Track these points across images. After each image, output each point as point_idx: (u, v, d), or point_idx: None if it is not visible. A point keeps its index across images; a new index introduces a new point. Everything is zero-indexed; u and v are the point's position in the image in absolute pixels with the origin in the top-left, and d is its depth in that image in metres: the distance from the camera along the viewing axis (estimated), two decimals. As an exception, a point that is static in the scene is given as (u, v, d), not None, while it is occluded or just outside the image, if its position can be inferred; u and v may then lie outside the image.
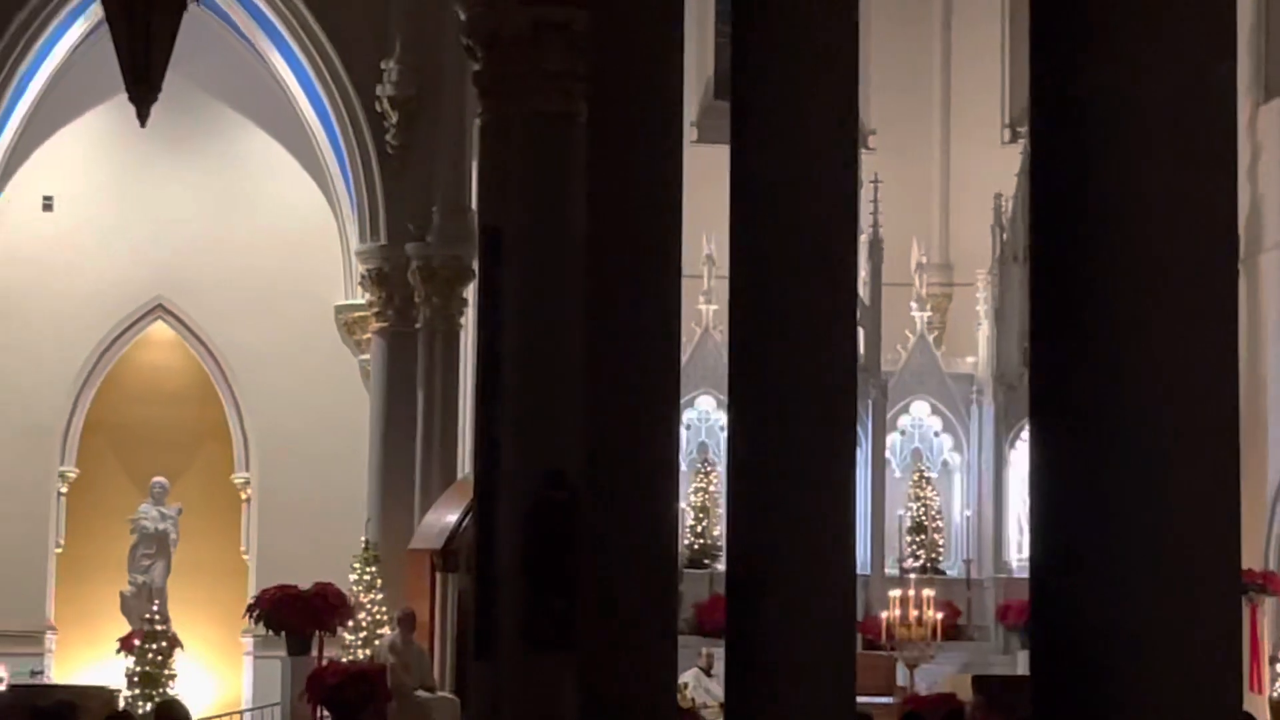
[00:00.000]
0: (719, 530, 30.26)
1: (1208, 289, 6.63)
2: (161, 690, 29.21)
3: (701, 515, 30.82)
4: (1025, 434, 30.69)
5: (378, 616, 28.95)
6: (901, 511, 31.88)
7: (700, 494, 30.86)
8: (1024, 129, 32.07)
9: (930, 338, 32.78)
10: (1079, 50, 6.74)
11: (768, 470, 11.55)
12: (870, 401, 29.52)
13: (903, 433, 32.29)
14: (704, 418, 31.17)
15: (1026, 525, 30.86)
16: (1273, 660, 28.50)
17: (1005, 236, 31.95)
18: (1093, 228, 6.60)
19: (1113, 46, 6.67)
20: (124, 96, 15.68)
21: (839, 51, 11.76)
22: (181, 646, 30.79)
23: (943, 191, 34.78)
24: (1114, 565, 6.49)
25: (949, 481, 32.47)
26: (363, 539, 30.25)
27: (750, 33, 11.86)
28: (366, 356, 32.30)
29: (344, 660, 28.16)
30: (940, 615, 29.85)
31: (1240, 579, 6.70)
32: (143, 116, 15.40)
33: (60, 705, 19.73)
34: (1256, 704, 25.24)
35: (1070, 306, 6.65)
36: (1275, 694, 27.93)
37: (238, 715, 32.21)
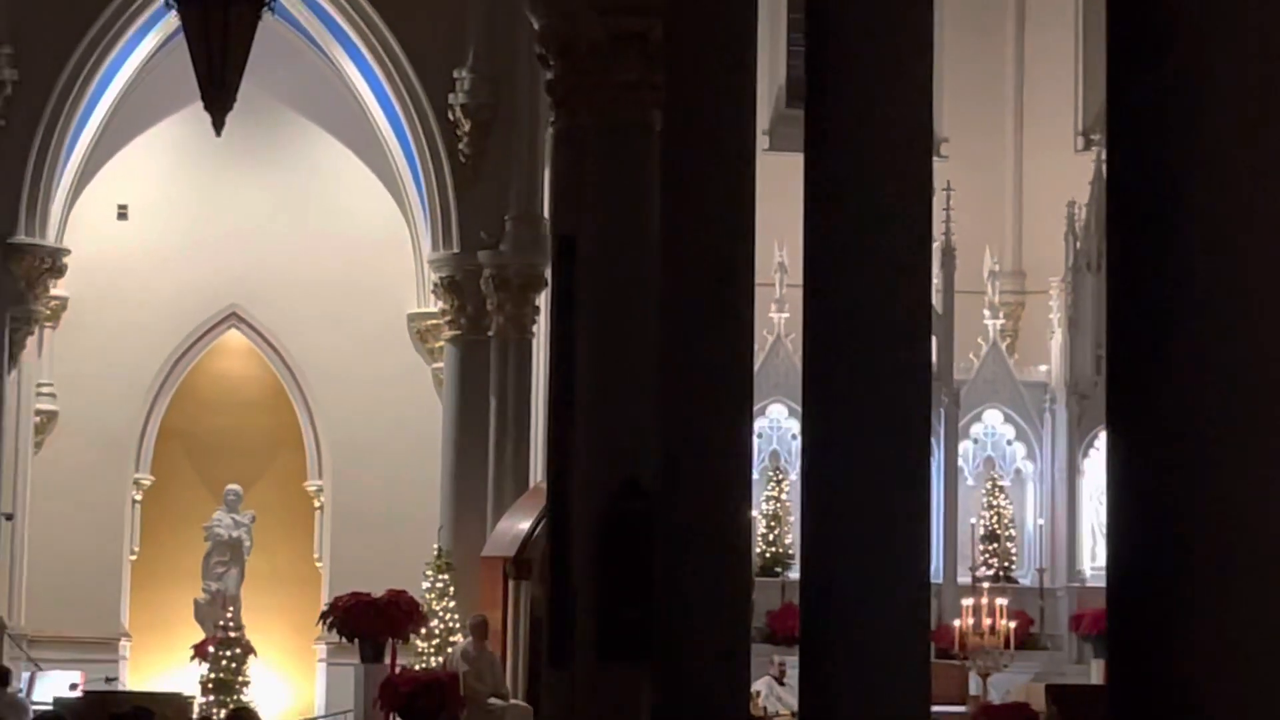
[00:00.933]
0: (791, 538, 30.24)
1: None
2: (235, 697, 29.31)
3: (773, 523, 30.78)
4: (1099, 442, 30.68)
5: (450, 624, 29.00)
6: (974, 520, 31.82)
7: (772, 502, 30.82)
8: (1097, 136, 32.08)
9: (1003, 346, 32.75)
10: (1157, 52, 6.72)
11: (842, 478, 11.55)
12: (943, 410, 29.45)
13: (975, 441, 32.25)
14: (775, 426, 31.14)
15: (1100, 533, 30.90)
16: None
17: (1079, 244, 31.93)
18: (1173, 232, 6.59)
19: (1191, 48, 6.65)
20: (199, 106, 15.75)
21: (913, 59, 11.76)
22: (255, 653, 30.89)
23: (1015, 199, 34.75)
24: (1195, 575, 6.47)
25: (1022, 490, 32.42)
26: (435, 546, 30.31)
27: (824, 42, 11.86)
28: (439, 364, 32.36)
29: (417, 668, 28.23)
30: (1013, 624, 29.81)
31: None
32: (218, 125, 15.48)
33: (136, 712, 19.82)
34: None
35: (1150, 313, 6.63)
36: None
37: (310, 716, 32.29)
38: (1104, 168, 30.01)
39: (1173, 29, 6.67)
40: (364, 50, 31.91)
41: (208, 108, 15.15)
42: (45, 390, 32.85)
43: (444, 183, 31.68)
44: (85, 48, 31.00)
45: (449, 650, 28.25)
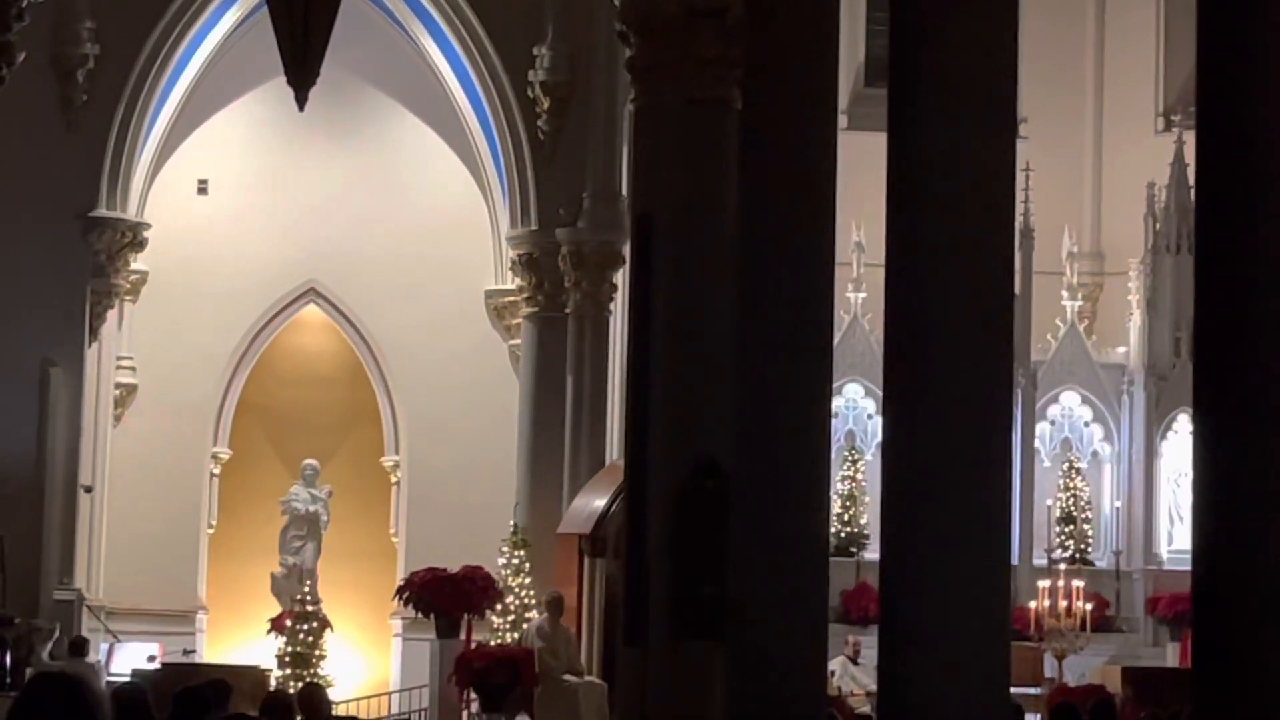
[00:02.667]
0: (866, 518, 30.28)
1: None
2: (312, 670, 29.42)
3: (849, 503, 30.81)
4: (1177, 425, 30.61)
5: (525, 600, 29.05)
6: (1050, 501, 31.81)
7: (848, 481, 30.84)
8: (1178, 117, 31.98)
9: (1081, 327, 32.71)
10: (1247, 30, 6.68)
11: (921, 459, 11.54)
12: (1020, 391, 29.39)
13: (1052, 422, 32.24)
14: (852, 405, 31.16)
15: (1178, 517, 30.82)
16: None
17: (1158, 226, 31.89)
18: (1263, 214, 6.55)
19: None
20: (279, 82, 15.80)
21: (996, 40, 11.73)
22: (331, 628, 31.00)
23: (1095, 180, 34.67)
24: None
25: (1098, 472, 32.38)
26: (511, 523, 30.36)
27: (908, 21, 11.84)
28: (516, 341, 32.41)
29: (492, 643, 28.29)
30: (1089, 606, 29.76)
31: None
32: (301, 101, 15.51)
33: (211, 684, 19.88)
34: None
35: (1237, 295, 6.60)
36: None
37: (386, 696, 32.39)
38: (1184, 149, 29.97)
39: (1248, 27, 6.65)
40: (444, 26, 31.97)
41: (291, 83, 15.17)
42: (125, 363, 33.01)
43: (522, 159, 31.73)
44: (167, 23, 31.09)
45: (524, 626, 28.31)
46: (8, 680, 21.51)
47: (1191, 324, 7.01)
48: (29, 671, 21.43)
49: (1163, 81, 33.92)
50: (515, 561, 29.64)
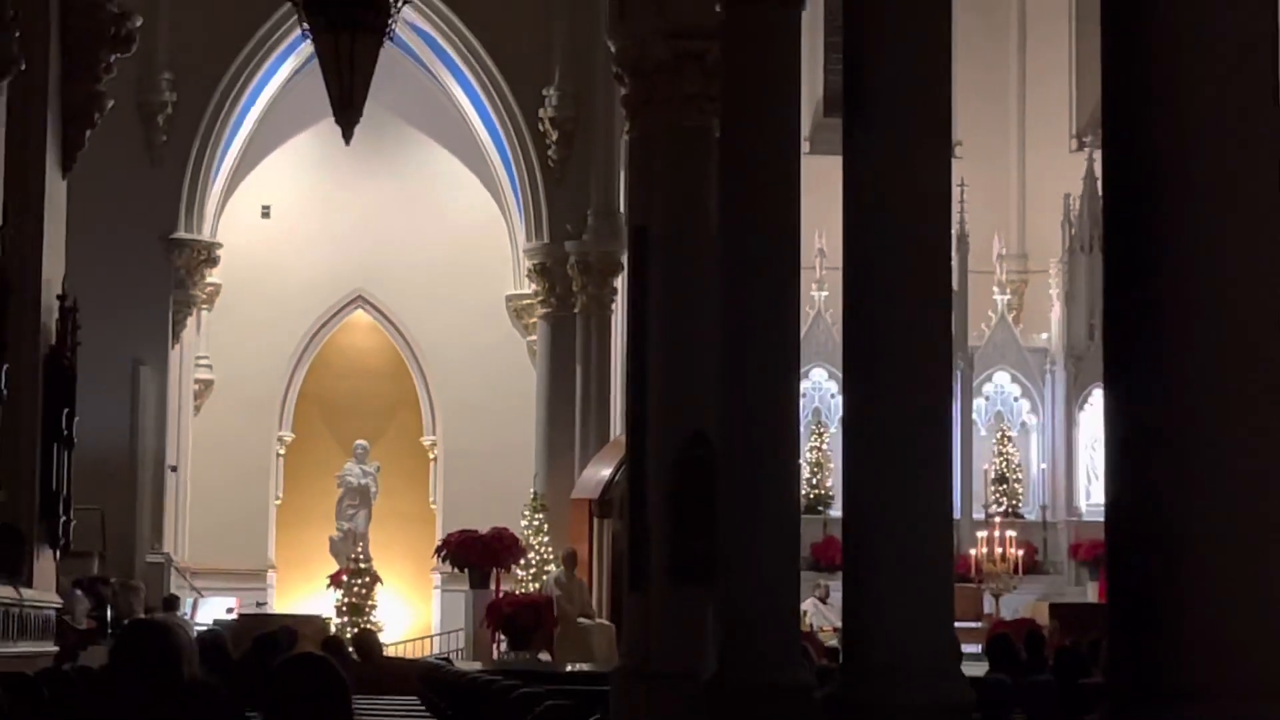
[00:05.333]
0: (831, 482, 30.29)
1: (1258, 268, 6.59)
2: (365, 618, 29.48)
3: (816, 469, 30.88)
4: (1092, 398, 30.62)
5: (545, 556, 29.09)
6: (986, 465, 31.88)
7: (815, 451, 30.88)
8: (1088, 139, 31.96)
9: (1009, 317, 32.73)
10: (1144, 65, 6.70)
11: (876, 430, 11.54)
12: (959, 372, 29.37)
13: (987, 398, 32.29)
14: (817, 387, 31.19)
15: (1094, 475, 30.83)
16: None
17: (1073, 230, 31.96)
18: (1159, 218, 6.57)
19: (1173, 62, 6.63)
20: (328, 121, 15.74)
21: (933, 74, 11.72)
22: (381, 582, 31.09)
23: (1019, 192, 34.70)
24: (1181, 504, 6.45)
25: (1027, 439, 32.42)
26: (531, 490, 30.42)
27: (857, 61, 11.85)
28: (533, 338, 32.46)
29: (517, 592, 28.32)
30: (1020, 553, 29.84)
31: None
32: (348, 136, 15.47)
33: (284, 631, 19.90)
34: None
35: (1139, 288, 6.62)
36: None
37: (428, 639, 32.41)
38: (1094, 165, 29.93)
39: (1159, 40, 6.65)
40: (466, 72, 32.00)
41: (339, 122, 15.13)
42: (202, 362, 33.08)
43: (535, 183, 31.77)
44: (233, 73, 31.16)
45: (544, 578, 28.35)
46: (109, 630, 21.51)
47: (1102, 313, 6.99)
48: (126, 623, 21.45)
49: (1075, 108, 33.96)
50: (535, 523, 29.69)
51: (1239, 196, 6.57)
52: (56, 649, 18.89)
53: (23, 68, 17.22)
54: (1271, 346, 6.59)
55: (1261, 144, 6.68)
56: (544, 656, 26.36)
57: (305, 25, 15.17)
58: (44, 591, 19.19)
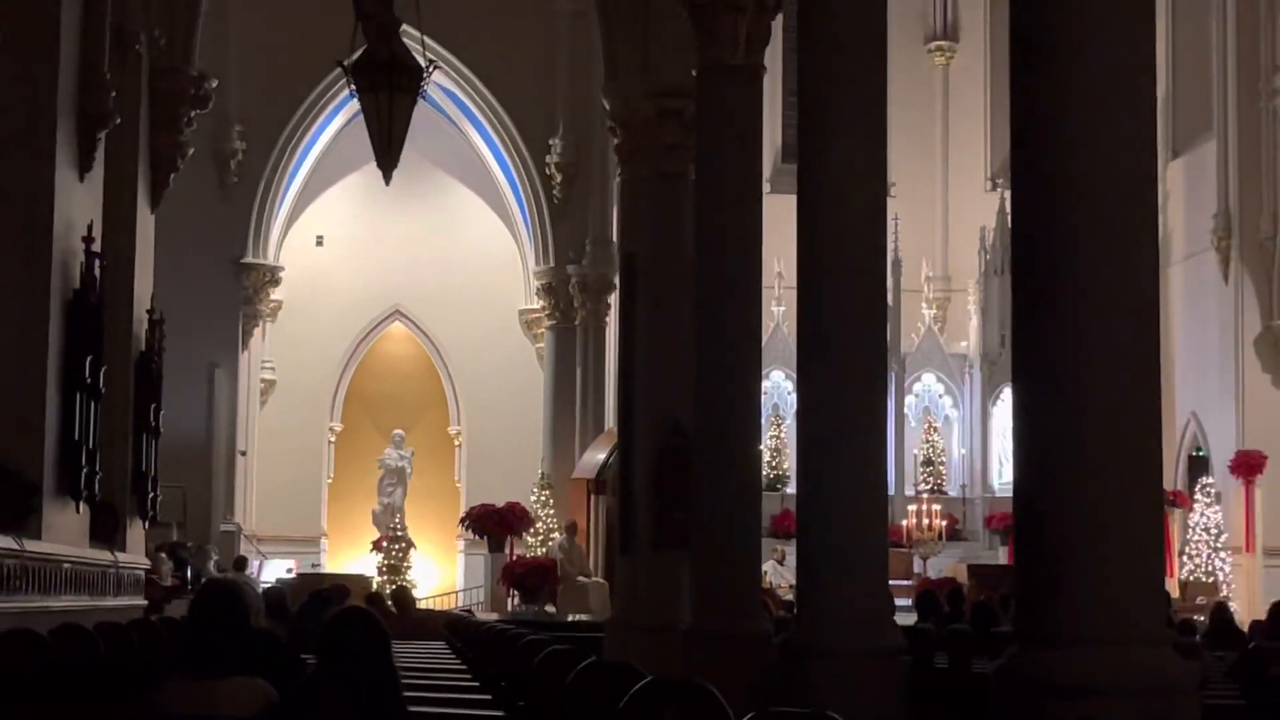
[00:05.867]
0: (787, 464, 30.28)
1: (1137, 291, 6.63)
2: (401, 577, 29.46)
3: (775, 454, 30.86)
4: (1003, 395, 30.65)
5: (550, 525, 29.10)
6: (916, 451, 31.91)
7: (774, 438, 30.89)
8: (1001, 180, 32.00)
9: (935, 328, 32.76)
10: (1046, 119, 6.74)
11: (823, 422, 11.56)
12: (893, 373, 29.41)
13: (916, 395, 32.33)
14: (776, 386, 31.16)
15: (1004, 459, 30.86)
16: (1180, 553, 28.37)
17: (987, 257, 31.98)
18: (1056, 248, 6.61)
19: (1068, 120, 6.67)
20: (373, 165, 15.74)
21: (872, 127, 11.75)
22: (414, 547, 31.05)
23: (943, 225, 34.68)
24: (1072, 484, 6.49)
25: (949, 429, 32.44)
26: (539, 471, 30.42)
27: (810, 117, 11.87)
28: (540, 345, 32.47)
29: (527, 556, 28.35)
30: (944, 523, 29.84)
31: (1162, 496, 6.67)
32: (387, 178, 15.45)
33: (335, 588, 19.92)
34: (1169, 584, 25.08)
35: (1040, 304, 6.66)
36: (1182, 577, 27.79)
37: (454, 594, 32.42)
38: (1005, 202, 29.97)
39: (1056, 101, 6.68)
40: (485, 125, 32.05)
41: (380, 166, 15.12)
42: (267, 365, 33.10)
43: (542, 217, 31.79)
44: (293, 125, 31.19)
45: (549, 544, 28.36)
46: (189, 586, 21.52)
47: (1010, 325, 7.03)
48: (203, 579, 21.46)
49: (989, 156, 33.97)
50: (542, 498, 29.70)
51: (1119, 234, 6.63)
52: (145, 603, 18.90)
53: (118, 122, 17.22)
54: (1141, 355, 6.66)
55: (1140, 193, 6.74)
56: (550, 609, 26.40)
57: (353, 87, 15.19)
58: (135, 555, 19.22)
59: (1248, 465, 28.16)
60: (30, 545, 14.25)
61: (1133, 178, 6.70)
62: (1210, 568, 28.17)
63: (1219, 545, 28.30)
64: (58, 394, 15.53)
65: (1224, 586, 27.39)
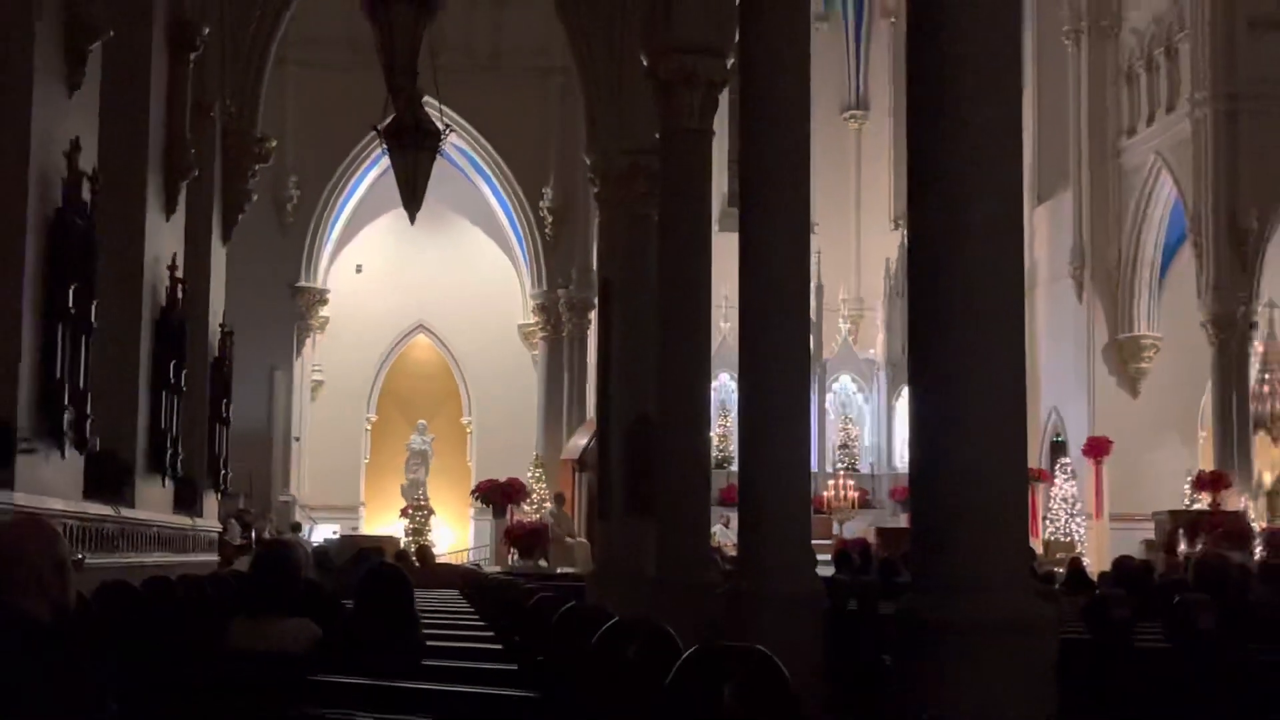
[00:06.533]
0: (731, 448, 30.19)
1: (1008, 309, 6.65)
2: (424, 538, 29.43)
3: (722, 440, 30.86)
4: (903, 393, 30.72)
5: (542, 496, 29.10)
6: (834, 437, 31.96)
7: (721, 426, 30.91)
8: (901, 221, 32.09)
9: (850, 339, 32.85)
10: (930, 178, 6.77)
11: (760, 414, 11.59)
12: (816, 376, 29.51)
13: (834, 393, 32.36)
14: (723, 385, 31.02)
15: (905, 444, 30.96)
16: (1043, 518, 28.49)
17: (891, 283, 32.07)
18: (943, 276, 6.63)
19: (947, 177, 6.70)
20: (400, 208, 15.76)
21: (798, 182, 11.79)
22: (434, 514, 31.05)
23: (856, 258, 34.76)
24: (956, 463, 6.51)
25: (861, 420, 32.50)
26: (534, 453, 30.42)
27: (747, 169, 11.90)
28: (535, 353, 32.40)
29: (524, 521, 28.33)
30: (856, 494, 29.95)
31: (1027, 472, 6.70)
32: (412, 219, 15.48)
33: (373, 547, 19.94)
34: (1034, 543, 25.18)
35: (927, 320, 6.68)
36: (1045, 537, 27.90)
37: (465, 551, 32.39)
38: (905, 239, 30.07)
39: (940, 161, 6.71)
40: (492, 176, 32.06)
41: (407, 210, 15.16)
42: (316, 369, 32.99)
43: (537, 250, 31.80)
44: (337, 176, 31.21)
45: (542, 511, 28.35)
46: (253, 545, 21.48)
47: (908, 336, 7.06)
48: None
49: (893, 202, 34.09)
50: (536, 475, 29.69)
51: (994, 264, 6.65)
52: (218, 559, 18.87)
53: (196, 173, 17.22)
54: (1011, 361, 6.69)
55: (1011, 232, 6.77)
56: (542, 563, 26.38)
57: (384, 146, 15.20)
58: (209, 520, 19.19)
59: (1097, 448, 28.32)
60: (126, 512, 14.23)
61: (1005, 220, 6.73)
62: (1067, 530, 28.31)
63: (1074, 512, 28.45)
64: (148, 393, 15.56)
65: (1078, 545, 27.52)
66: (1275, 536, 23.71)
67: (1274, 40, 25.68)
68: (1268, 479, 25.78)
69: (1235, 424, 25.41)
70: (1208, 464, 26.37)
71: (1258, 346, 25.95)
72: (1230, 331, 25.52)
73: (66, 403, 11.58)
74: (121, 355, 14.82)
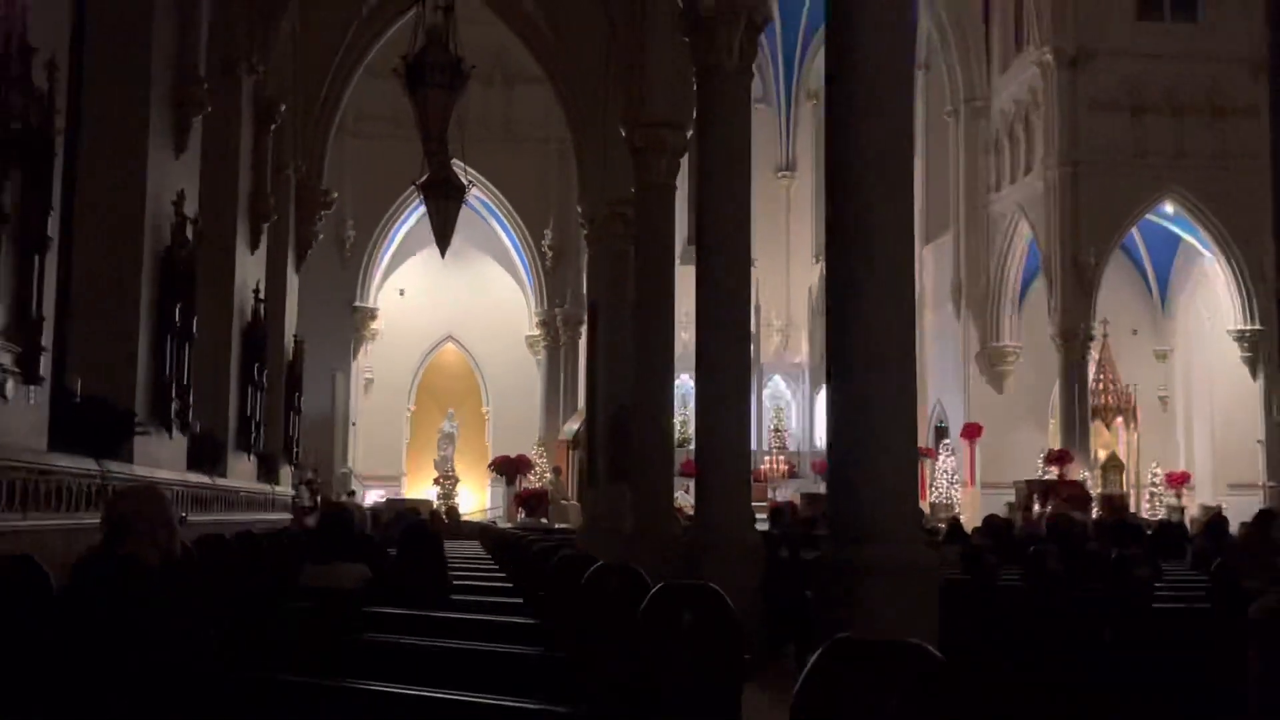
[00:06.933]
0: (690, 430, 30.21)
1: (902, 325, 6.67)
2: (451, 501, 29.35)
3: (682, 425, 30.73)
4: (822, 390, 30.77)
5: (544, 469, 29.07)
6: (770, 423, 31.96)
7: (681, 415, 30.87)
8: (821, 257, 32.12)
9: (782, 349, 32.86)
10: (846, 223, 6.78)
11: (711, 406, 11.60)
12: (755, 377, 29.48)
13: (770, 389, 32.40)
14: (684, 384, 30.90)
15: (823, 427, 31.04)
16: (930, 486, 28.55)
17: (813, 304, 32.09)
18: (852, 299, 6.64)
19: (858, 221, 6.71)
20: (434, 246, 15.71)
21: (739, 224, 11.81)
22: (460, 482, 30.89)
23: (786, 286, 34.77)
24: (861, 445, 6.52)
25: (790, 410, 32.55)
26: (538, 435, 30.36)
27: (704, 218, 11.92)
28: (539, 357, 32.33)
29: (530, 487, 28.29)
30: (787, 467, 29.96)
31: (917, 449, 6.72)
32: (443, 254, 15.45)
33: (411, 508, 19.88)
34: (923, 504, 25.24)
35: (843, 333, 6.69)
36: (931, 500, 27.99)
37: (484, 511, 32.31)
38: (824, 271, 30.14)
39: (847, 206, 6.71)
40: (504, 219, 32.01)
41: (439, 246, 15.13)
42: (367, 370, 32.86)
43: (540, 278, 31.76)
44: (385, 220, 31.10)
45: (544, 479, 28.32)
46: (318, 506, 21.41)
47: (825, 346, 7.07)
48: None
49: (815, 241, 34.10)
50: (539, 452, 29.66)
51: (892, 291, 6.66)
52: (291, 517, 18.79)
53: (275, 218, 17.17)
54: (904, 364, 6.70)
55: (905, 265, 6.78)
56: (544, 520, 26.37)
57: (421, 197, 15.16)
58: (285, 487, 19.09)
59: (971, 432, 28.42)
60: (220, 481, 14.17)
61: (900, 256, 6.75)
62: (948, 495, 28.37)
63: (953, 481, 28.52)
64: (238, 388, 15.49)
65: (956, 506, 27.60)
66: (1107, 500, 23.87)
67: (1107, 118, 25.85)
68: (1101, 455, 25.99)
69: (1077, 413, 25.58)
70: (1056, 444, 26.53)
71: (1094, 354, 26.16)
72: (1073, 342, 25.70)
73: (174, 396, 11.59)
74: (216, 359, 14.79)
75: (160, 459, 11.38)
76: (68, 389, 9.41)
